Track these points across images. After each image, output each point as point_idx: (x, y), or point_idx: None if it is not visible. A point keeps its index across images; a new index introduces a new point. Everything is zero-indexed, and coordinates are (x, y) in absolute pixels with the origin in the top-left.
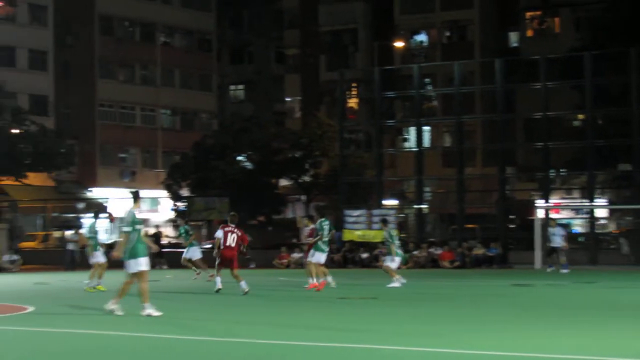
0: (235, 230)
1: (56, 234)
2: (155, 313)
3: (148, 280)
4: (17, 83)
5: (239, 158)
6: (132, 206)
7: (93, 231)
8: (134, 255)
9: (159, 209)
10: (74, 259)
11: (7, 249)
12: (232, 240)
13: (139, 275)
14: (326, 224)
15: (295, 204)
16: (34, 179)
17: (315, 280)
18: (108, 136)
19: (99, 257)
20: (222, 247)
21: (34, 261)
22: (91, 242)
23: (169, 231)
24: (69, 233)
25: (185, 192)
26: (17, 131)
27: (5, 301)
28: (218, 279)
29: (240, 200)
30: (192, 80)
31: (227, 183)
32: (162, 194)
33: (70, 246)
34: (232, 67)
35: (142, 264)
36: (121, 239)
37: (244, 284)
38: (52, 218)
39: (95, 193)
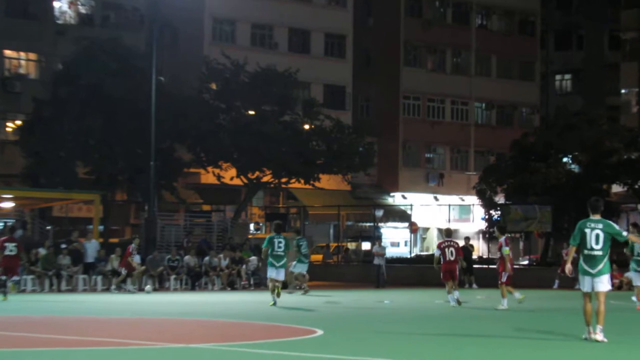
0: (452, 243)
1: (350, 245)
2: (600, 338)
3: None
4: (311, 72)
5: (565, 159)
6: (595, 215)
7: None
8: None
9: (471, 218)
10: (382, 274)
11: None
12: (449, 253)
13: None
14: (279, 239)
15: (630, 214)
16: (327, 182)
17: None
18: (412, 133)
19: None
20: (442, 262)
21: (324, 277)
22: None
23: (481, 244)
24: (375, 246)
25: (500, 199)
26: (309, 127)
27: (291, 322)
28: (451, 296)
29: (564, 208)
30: (511, 68)
31: (550, 189)
32: (474, 200)
33: (377, 260)
34: (558, 54)
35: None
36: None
37: (456, 294)
38: (346, 227)
39: (397, 199)
